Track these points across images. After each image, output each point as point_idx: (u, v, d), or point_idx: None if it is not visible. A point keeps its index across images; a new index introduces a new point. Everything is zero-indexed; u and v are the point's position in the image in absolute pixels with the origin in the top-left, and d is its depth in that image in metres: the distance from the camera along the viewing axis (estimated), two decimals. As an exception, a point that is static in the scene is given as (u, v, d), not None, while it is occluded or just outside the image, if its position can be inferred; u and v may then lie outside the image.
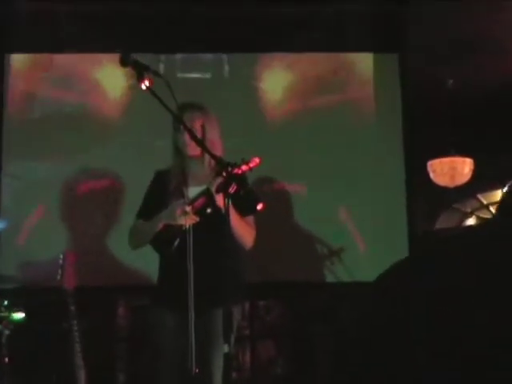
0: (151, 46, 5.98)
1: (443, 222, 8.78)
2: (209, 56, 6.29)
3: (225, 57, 6.29)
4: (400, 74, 6.32)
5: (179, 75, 6.18)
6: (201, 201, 3.88)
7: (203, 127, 4.05)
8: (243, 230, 4.04)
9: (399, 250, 6.08)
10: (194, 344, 3.62)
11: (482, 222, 8.59)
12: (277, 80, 6.28)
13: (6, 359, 4.56)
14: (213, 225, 3.86)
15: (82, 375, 4.58)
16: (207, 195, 3.86)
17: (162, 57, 6.15)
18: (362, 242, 6.08)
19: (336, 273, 5.96)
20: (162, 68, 6.04)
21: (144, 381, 4.08)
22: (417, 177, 6.39)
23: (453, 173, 7.62)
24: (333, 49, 6.32)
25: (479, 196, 8.83)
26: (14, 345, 4.59)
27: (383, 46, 6.35)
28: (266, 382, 6.21)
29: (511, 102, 7.61)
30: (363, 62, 6.38)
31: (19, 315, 4.68)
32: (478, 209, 8.92)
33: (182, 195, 3.89)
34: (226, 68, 6.29)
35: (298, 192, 6.09)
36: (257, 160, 3.64)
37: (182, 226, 3.85)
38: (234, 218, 3.89)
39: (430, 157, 7.65)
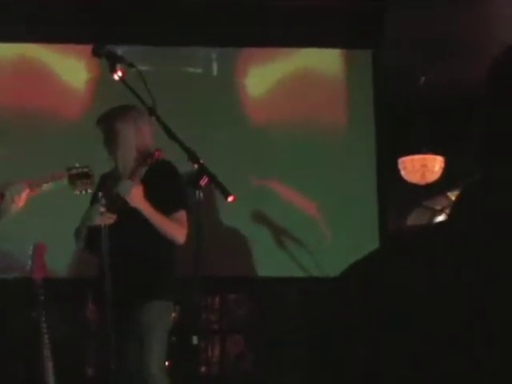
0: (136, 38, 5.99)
1: (414, 219, 8.83)
2: (193, 49, 6.29)
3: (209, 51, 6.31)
4: (373, 70, 6.34)
5: (164, 68, 6.18)
6: (121, 199, 4.02)
7: (115, 133, 4.18)
8: (166, 227, 4.12)
9: (370, 247, 6.08)
10: (114, 339, 3.78)
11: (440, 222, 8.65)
12: (253, 75, 6.29)
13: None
14: (132, 222, 4.03)
15: (49, 366, 4.55)
16: None
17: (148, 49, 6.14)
18: (332, 238, 6.10)
19: (306, 268, 5.97)
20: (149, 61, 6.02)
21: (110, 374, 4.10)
22: (388, 174, 6.41)
23: (423, 170, 7.65)
24: (305, 44, 6.32)
25: (449, 194, 8.88)
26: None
27: (356, 43, 6.36)
28: (234, 376, 6.22)
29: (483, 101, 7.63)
30: (336, 57, 6.39)
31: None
32: (448, 206, 8.97)
33: (98, 197, 4.00)
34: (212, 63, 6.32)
35: (268, 186, 6.10)
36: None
37: (99, 225, 3.96)
38: (154, 216, 4.05)
39: (401, 154, 7.68)
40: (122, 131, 4.17)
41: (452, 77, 7.36)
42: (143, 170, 4.12)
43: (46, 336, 4.56)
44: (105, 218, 3.93)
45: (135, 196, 3.98)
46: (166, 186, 4.12)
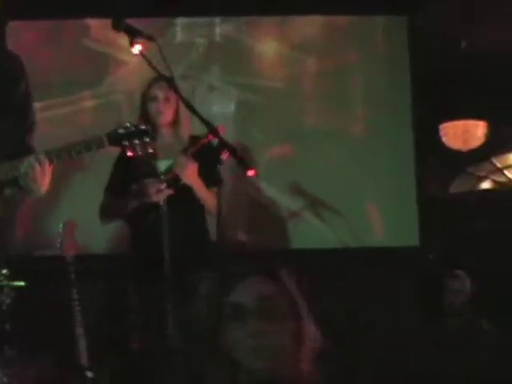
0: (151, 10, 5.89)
1: (457, 186, 8.67)
2: (203, 20, 6.17)
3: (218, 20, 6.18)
4: (409, 36, 6.17)
5: (177, 40, 6.09)
6: (174, 174, 3.94)
7: (176, 99, 4.05)
8: (209, 202, 4.06)
9: (407, 215, 5.99)
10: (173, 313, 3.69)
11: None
12: (278, 42, 6.17)
13: (7, 327, 4.53)
14: (184, 196, 3.96)
15: (82, 344, 4.55)
16: None
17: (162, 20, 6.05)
18: (371, 206, 6.00)
19: (343, 238, 5.88)
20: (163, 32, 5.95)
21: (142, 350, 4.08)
22: (425, 141, 6.26)
23: (466, 136, 7.52)
24: (342, 11, 6.18)
25: (493, 159, 8.71)
26: (14, 312, 4.56)
27: (393, 8, 6.20)
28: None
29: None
30: (372, 23, 6.24)
31: (20, 283, 4.65)
32: (492, 172, 8.79)
33: (154, 171, 3.91)
34: (218, 31, 6.18)
35: (298, 156, 5.99)
36: (221, 129, 3.66)
37: (156, 202, 3.89)
38: (203, 192, 4.02)
39: (442, 120, 7.54)
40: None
41: (493, 41, 7.17)
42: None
43: (79, 314, 4.56)
44: (162, 195, 3.89)
45: (190, 173, 3.96)
46: (209, 162, 4.05)
